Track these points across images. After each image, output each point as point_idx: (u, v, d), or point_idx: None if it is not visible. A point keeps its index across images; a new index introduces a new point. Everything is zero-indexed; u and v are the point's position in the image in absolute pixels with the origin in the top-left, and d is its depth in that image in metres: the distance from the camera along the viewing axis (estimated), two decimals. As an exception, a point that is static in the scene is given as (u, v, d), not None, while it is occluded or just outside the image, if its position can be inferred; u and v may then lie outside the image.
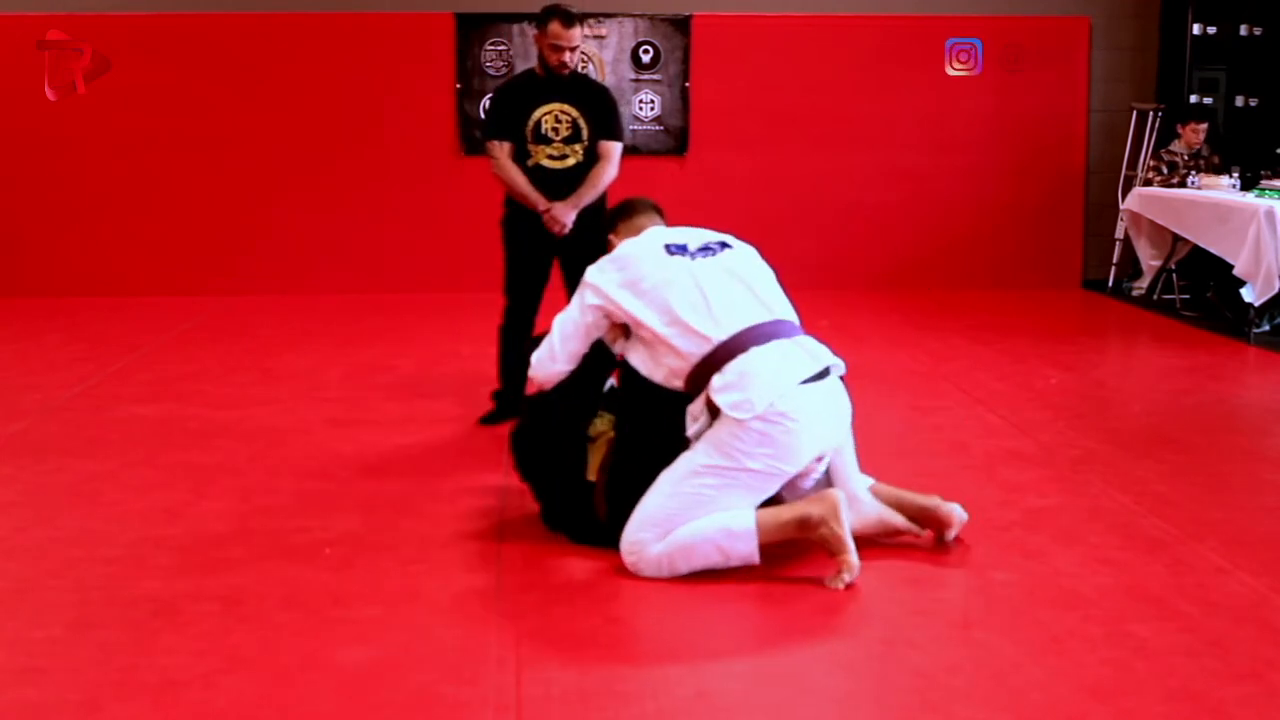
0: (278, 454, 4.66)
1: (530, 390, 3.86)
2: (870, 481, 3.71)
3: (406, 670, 2.86)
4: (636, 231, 3.85)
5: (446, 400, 5.51)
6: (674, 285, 3.49)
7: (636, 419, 3.58)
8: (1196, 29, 8.80)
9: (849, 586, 3.28)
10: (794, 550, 3.58)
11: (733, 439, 3.32)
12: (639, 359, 3.55)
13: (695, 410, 3.42)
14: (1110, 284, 8.94)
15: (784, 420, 3.31)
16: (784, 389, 3.32)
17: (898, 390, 5.74)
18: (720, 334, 3.41)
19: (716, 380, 3.35)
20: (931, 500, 3.68)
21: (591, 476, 3.68)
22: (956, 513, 3.65)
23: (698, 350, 3.41)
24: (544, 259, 5.14)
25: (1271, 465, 4.72)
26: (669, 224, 4.00)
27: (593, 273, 3.66)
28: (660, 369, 3.50)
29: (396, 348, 6.75)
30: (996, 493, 4.21)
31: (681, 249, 3.63)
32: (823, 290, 8.34)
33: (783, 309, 3.59)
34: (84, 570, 3.45)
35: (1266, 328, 7.21)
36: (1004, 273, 9.04)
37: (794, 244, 8.68)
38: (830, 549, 3.33)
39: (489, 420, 5.06)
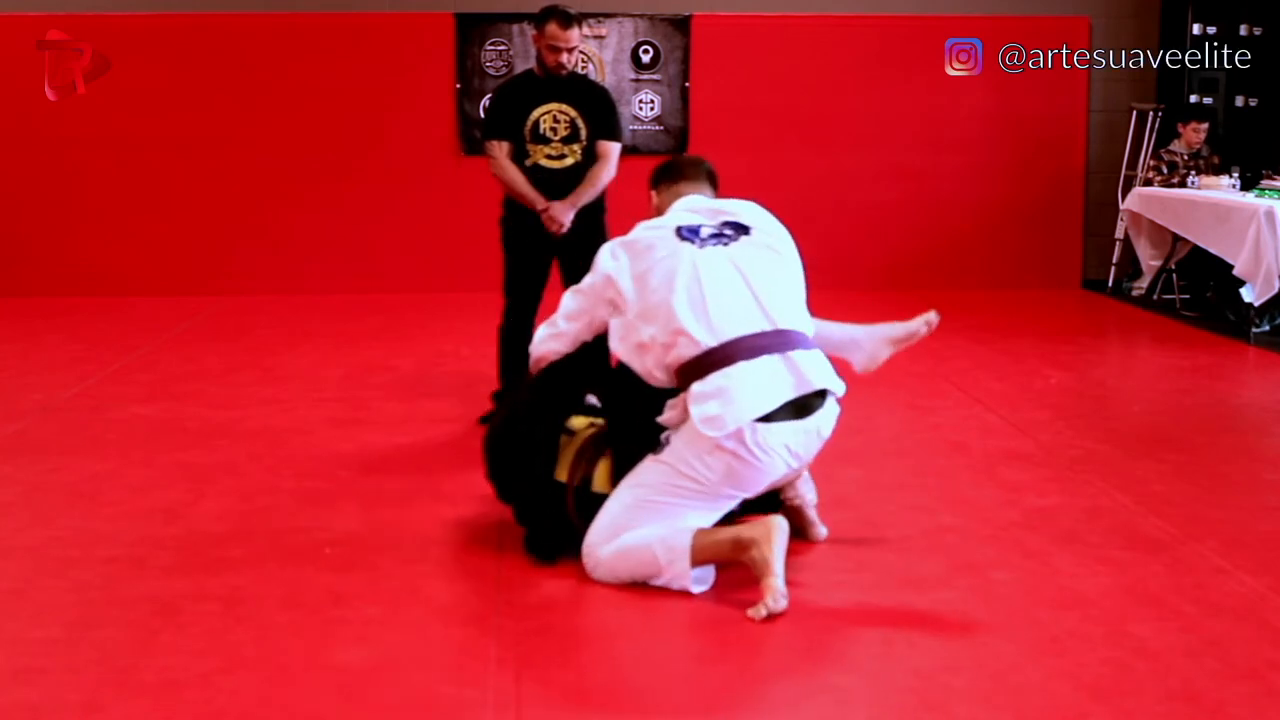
0: (278, 454, 4.66)
1: (532, 368, 3.77)
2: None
3: (406, 670, 2.86)
4: (674, 196, 3.71)
5: (446, 400, 5.51)
6: (677, 279, 3.36)
7: (624, 424, 3.51)
8: (1196, 29, 8.80)
9: (770, 617, 3.09)
10: (796, 550, 3.59)
11: (697, 460, 3.25)
12: (626, 348, 3.45)
13: (674, 401, 3.35)
14: (1110, 284, 8.93)
15: (753, 454, 3.22)
16: (759, 412, 3.20)
17: (898, 390, 5.73)
18: (712, 340, 3.29)
19: (696, 387, 3.26)
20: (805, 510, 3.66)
21: (561, 476, 3.55)
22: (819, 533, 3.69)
23: (688, 352, 3.30)
24: (543, 259, 5.14)
25: (1271, 465, 4.72)
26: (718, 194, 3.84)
27: (605, 258, 3.53)
28: (645, 363, 3.40)
29: (396, 348, 6.75)
30: (996, 493, 4.21)
31: (693, 233, 3.48)
32: (822, 290, 8.26)
33: (787, 315, 3.40)
34: (84, 570, 3.45)
35: (1266, 328, 7.21)
36: (1004, 273, 9.03)
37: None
38: (757, 572, 3.17)
39: (489, 420, 5.06)
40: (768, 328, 3.34)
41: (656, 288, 3.39)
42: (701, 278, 3.37)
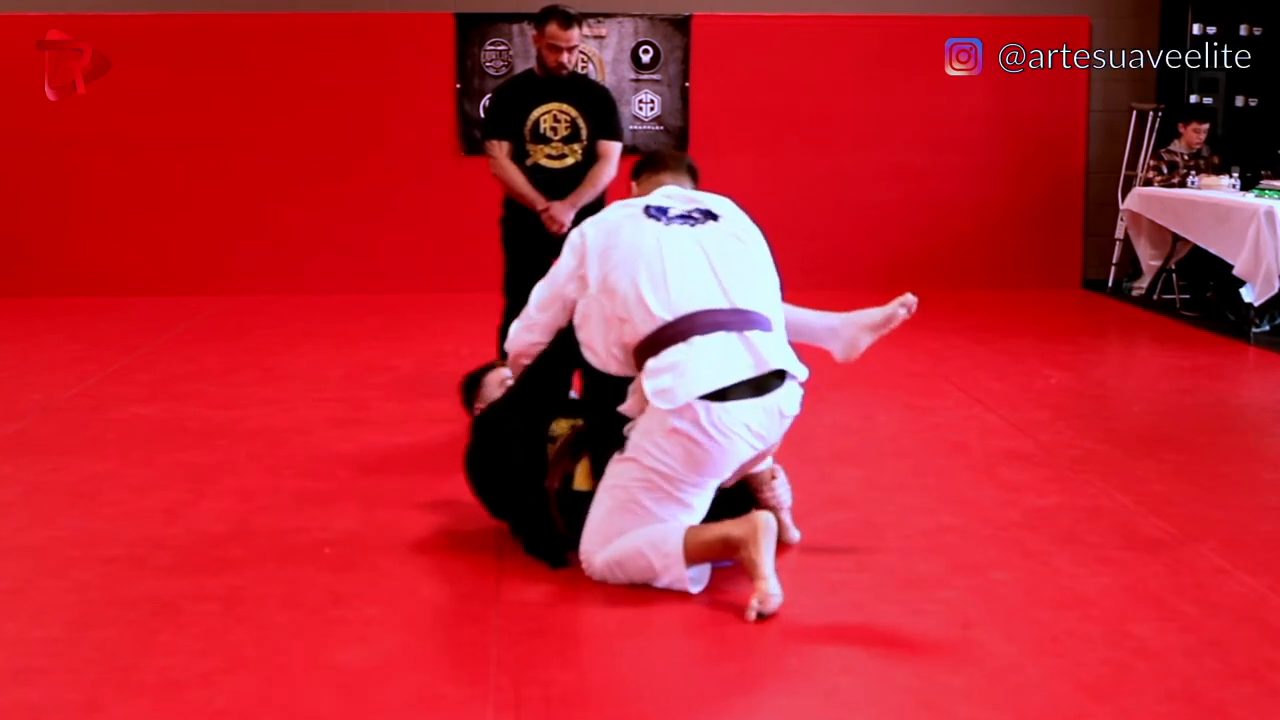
0: (278, 454, 4.66)
1: (511, 360, 3.73)
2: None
3: (406, 670, 2.86)
4: (655, 186, 3.71)
5: (446, 400, 5.48)
6: (640, 254, 3.36)
7: (599, 425, 3.46)
8: (1196, 29, 8.80)
9: (761, 618, 3.09)
10: (787, 551, 3.58)
11: (655, 448, 3.22)
12: (588, 331, 3.42)
13: (634, 386, 3.33)
14: (1110, 284, 8.93)
15: (709, 436, 3.18)
16: (712, 386, 3.17)
17: (897, 390, 5.74)
18: (668, 315, 3.27)
19: (651, 362, 3.24)
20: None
21: (551, 484, 3.52)
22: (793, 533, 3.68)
23: (644, 327, 3.28)
24: (543, 259, 5.08)
25: (1271, 465, 4.72)
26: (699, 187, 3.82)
27: (574, 236, 3.56)
28: (606, 341, 3.37)
29: (396, 348, 6.75)
30: (996, 493, 4.21)
31: (661, 212, 3.50)
32: (822, 290, 8.30)
33: (747, 297, 3.36)
34: (84, 570, 3.45)
35: (1266, 328, 7.21)
36: (1004, 273, 9.03)
37: (794, 244, 8.64)
38: (749, 573, 3.17)
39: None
40: (725, 305, 3.32)
41: (619, 263, 3.39)
42: (664, 254, 3.37)
